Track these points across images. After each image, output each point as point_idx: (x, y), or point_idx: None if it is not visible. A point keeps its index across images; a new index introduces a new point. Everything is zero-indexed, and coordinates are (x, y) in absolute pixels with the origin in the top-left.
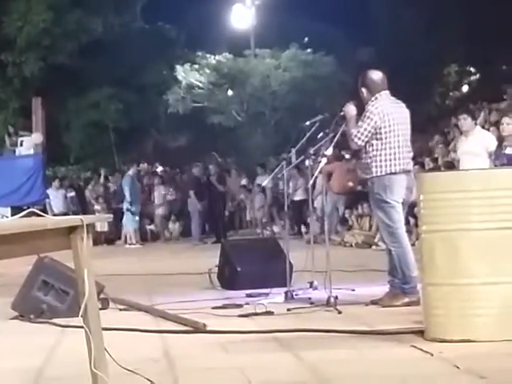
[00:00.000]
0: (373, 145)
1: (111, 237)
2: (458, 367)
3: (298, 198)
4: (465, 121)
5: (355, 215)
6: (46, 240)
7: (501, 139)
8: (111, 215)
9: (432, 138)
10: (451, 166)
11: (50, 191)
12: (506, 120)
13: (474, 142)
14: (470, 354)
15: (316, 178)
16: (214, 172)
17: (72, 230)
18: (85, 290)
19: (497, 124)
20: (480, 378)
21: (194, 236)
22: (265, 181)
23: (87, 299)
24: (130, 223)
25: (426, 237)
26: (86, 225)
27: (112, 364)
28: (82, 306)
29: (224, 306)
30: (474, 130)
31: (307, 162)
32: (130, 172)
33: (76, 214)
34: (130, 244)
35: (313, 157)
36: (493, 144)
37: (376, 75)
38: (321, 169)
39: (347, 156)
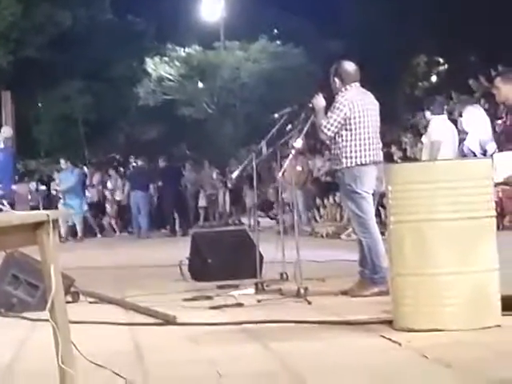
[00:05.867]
0: (342, 136)
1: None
2: (426, 357)
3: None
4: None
5: (325, 206)
6: (11, 236)
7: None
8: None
9: (401, 129)
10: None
11: None
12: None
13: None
14: (437, 344)
15: (285, 170)
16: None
17: (38, 225)
18: (51, 286)
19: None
20: (448, 367)
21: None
22: (234, 173)
23: (54, 294)
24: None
25: (394, 227)
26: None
27: (80, 358)
28: (49, 301)
29: (194, 298)
30: (431, 121)
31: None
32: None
33: (46, 208)
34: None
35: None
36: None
37: (350, 66)
38: (289, 161)
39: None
